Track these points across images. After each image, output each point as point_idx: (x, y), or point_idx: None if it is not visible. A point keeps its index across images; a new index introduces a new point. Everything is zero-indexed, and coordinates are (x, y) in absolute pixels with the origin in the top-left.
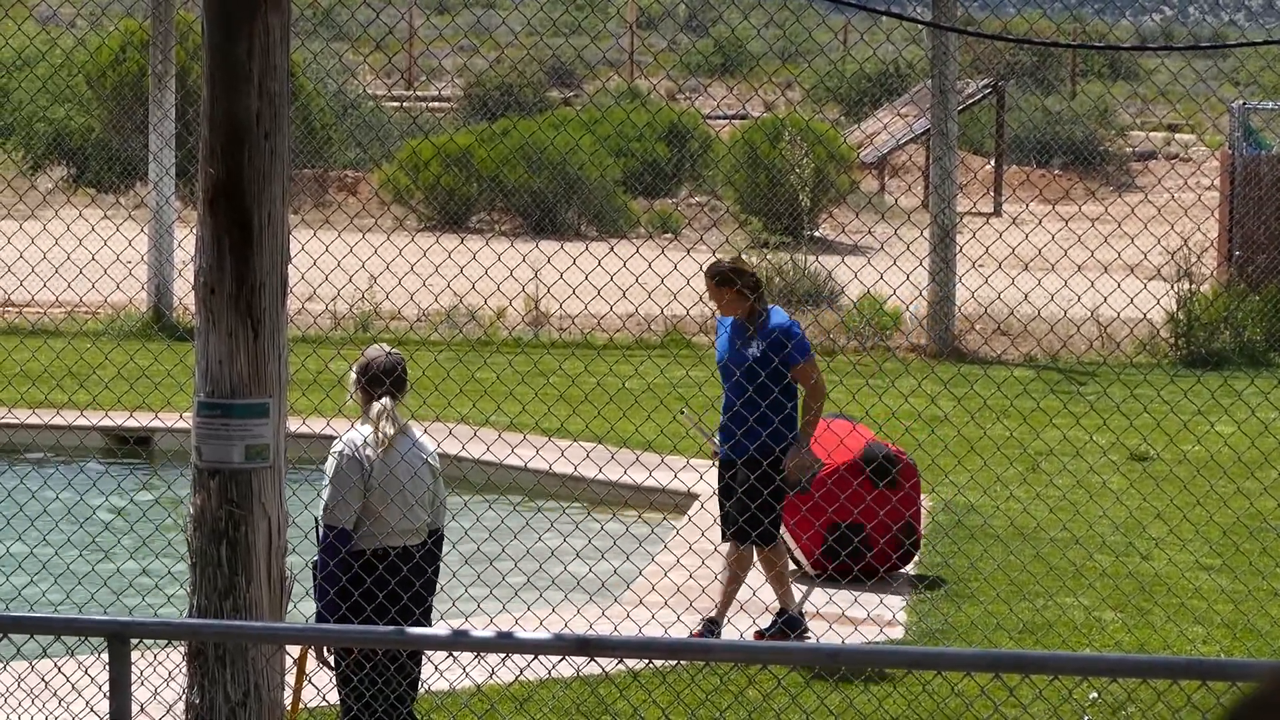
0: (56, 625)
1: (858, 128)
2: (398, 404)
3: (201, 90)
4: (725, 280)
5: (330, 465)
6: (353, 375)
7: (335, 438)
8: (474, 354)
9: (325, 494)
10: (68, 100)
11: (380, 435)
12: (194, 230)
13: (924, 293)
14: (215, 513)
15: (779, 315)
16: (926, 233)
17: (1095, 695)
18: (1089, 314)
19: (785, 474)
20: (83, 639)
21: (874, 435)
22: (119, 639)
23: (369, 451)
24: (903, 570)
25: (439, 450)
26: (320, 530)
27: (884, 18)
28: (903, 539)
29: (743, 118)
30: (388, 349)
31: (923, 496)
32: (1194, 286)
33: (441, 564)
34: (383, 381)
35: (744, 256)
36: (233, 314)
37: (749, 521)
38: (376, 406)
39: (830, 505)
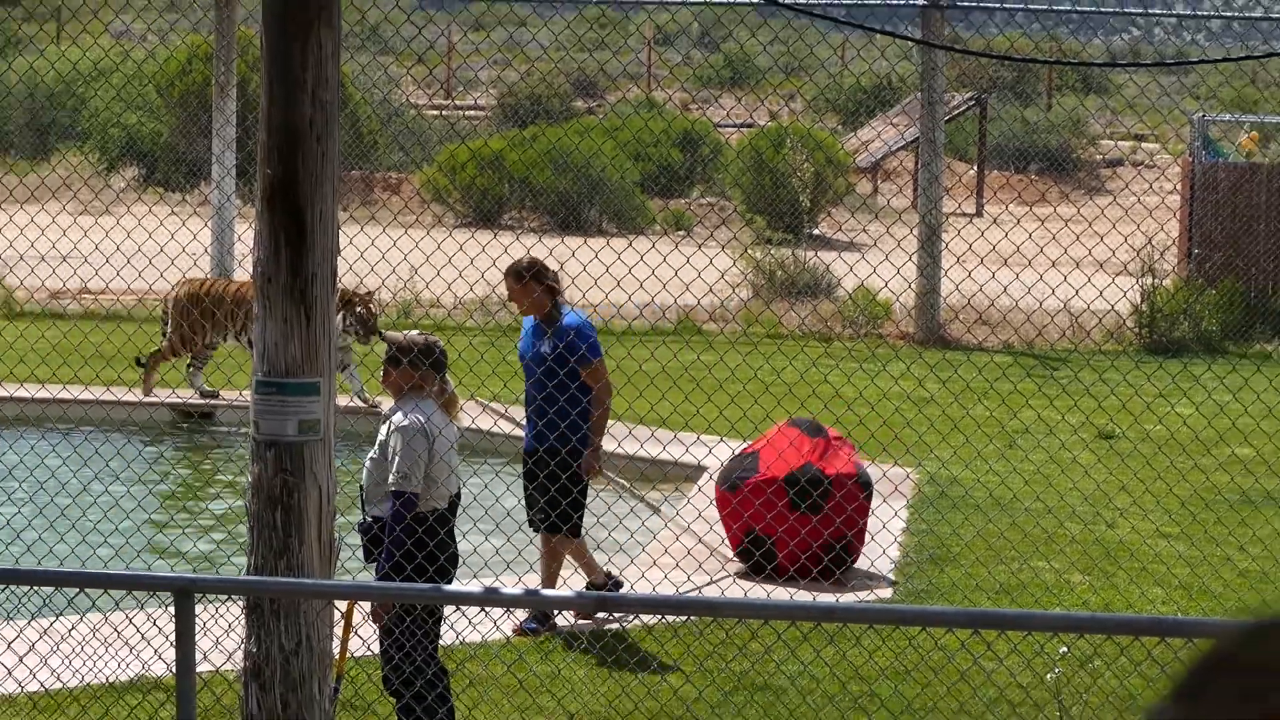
0: (128, 581)
1: (854, 135)
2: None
3: (260, 99)
4: (523, 280)
5: (395, 439)
6: (402, 358)
7: (383, 414)
8: (505, 338)
9: (396, 464)
10: (139, 107)
11: (450, 409)
12: (252, 225)
13: (912, 285)
14: (271, 481)
15: (573, 316)
16: (915, 231)
17: (1065, 649)
18: (1062, 305)
19: (584, 469)
20: (151, 593)
21: (853, 452)
22: (184, 594)
23: (433, 424)
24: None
25: (470, 424)
26: (388, 497)
27: (878, 35)
28: (822, 555)
29: (749, 126)
30: (425, 333)
31: (907, 469)
32: (1157, 281)
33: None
34: (443, 363)
35: (749, 250)
36: (287, 302)
37: (557, 515)
38: (452, 384)
39: (747, 511)
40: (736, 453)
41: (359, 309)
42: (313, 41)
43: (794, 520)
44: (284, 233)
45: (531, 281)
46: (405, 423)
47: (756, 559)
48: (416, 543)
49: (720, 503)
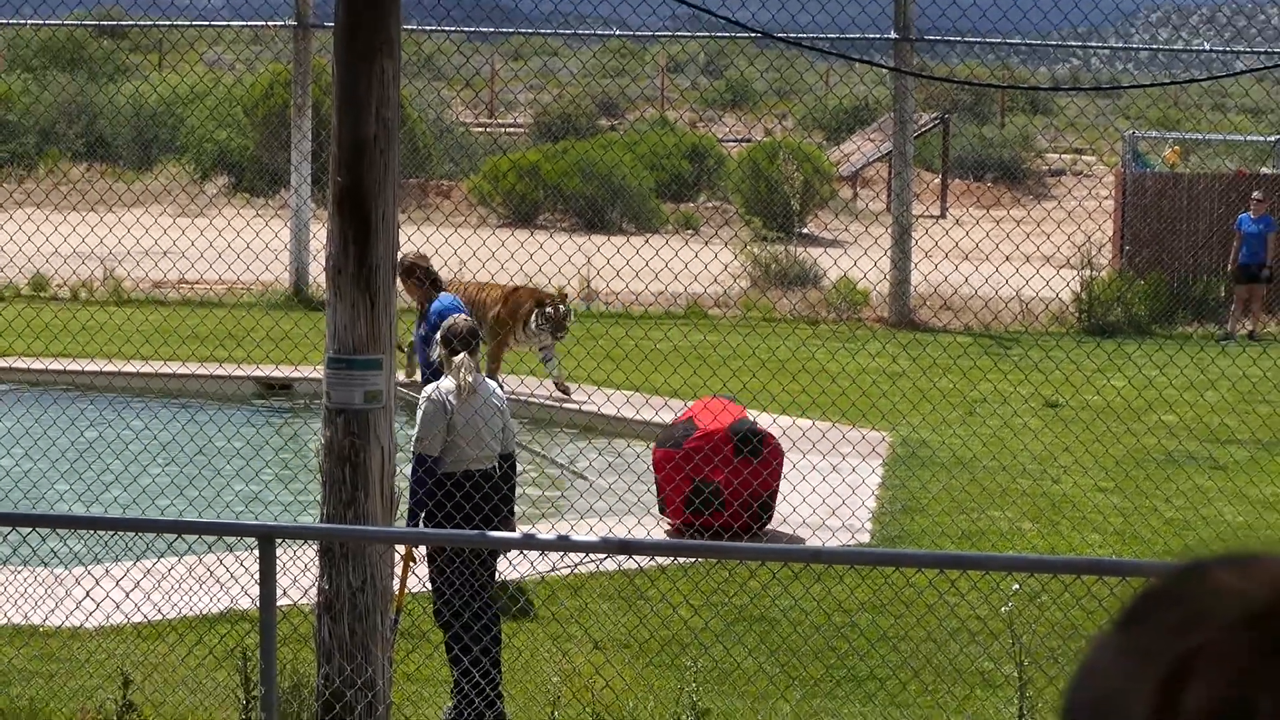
0: (220, 528)
1: (837, 149)
2: (477, 359)
3: (331, 118)
4: (404, 273)
5: (419, 408)
6: (438, 338)
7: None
8: None
9: (415, 430)
10: (228, 125)
11: (462, 381)
12: (325, 225)
13: (887, 276)
14: (341, 442)
15: (442, 302)
16: (889, 230)
17: (1017, 586)
18: (1014, 293)
19: None
20: (239, 539)
21: (743, 413)
22: (267, 539)
23: (451, 397)
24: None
25: (509, 395)
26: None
27: (857, 64)
28: (751, 503)
29: (748, 141)
30: (466, 317)
31: (883, 432)
32: (1094, 273)
33: (516, 481)
34: (458, 344)
35: (746, 246)
36: (355, 290)
37: None
38: (458, 359)
39: (689, 465)
40: (670, 422)
41: (549, 309)
42: (376, 69)
43: (738, 464)
44: (352, 231)
45: (403, 276)
46: (426, 393)
47: (701, 510)
48: (464, 496)
49: (661, 462)
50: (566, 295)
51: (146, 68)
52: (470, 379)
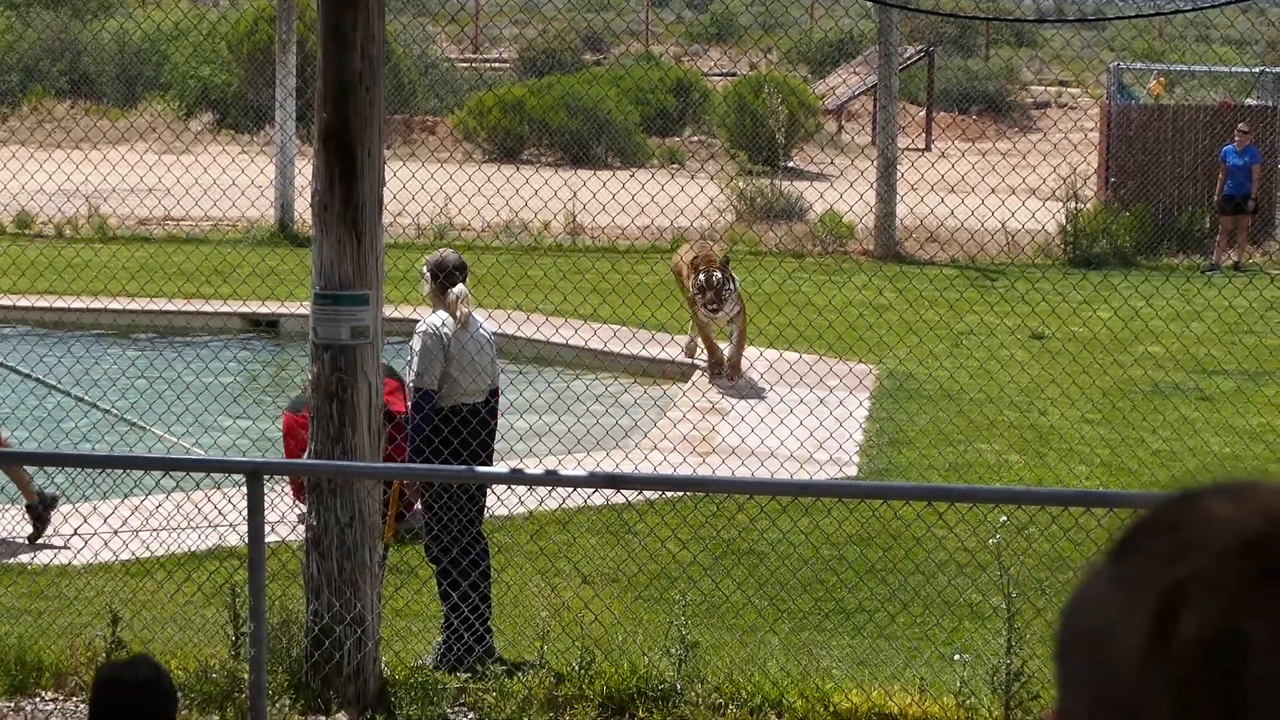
0: (207, 464)
1: (822, 82)
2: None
3: (316, 54)
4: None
5: (417, 342)
6: (426, 272)
7: (418, 320)
8: (525, 256)
9: (414, 364)
10: (212, 62)
11: (459, 312)
12: (310, 162)
13: (872, 209)
14: (328, 378)
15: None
16: (874, 163)
17: (1004, 519)
18: (1000, 226)
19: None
20: (227, 475)
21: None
22: (255, 475)
23: (447, 330)
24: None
25: (496, 329)
26: (409, 392)
27: None
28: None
29: (733, 75)
30: (450, 250)
31: (869, 365)
32: (1080, 205)
33: (500, 416)
34: (455, 275)
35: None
36: (341, 227)
37: None
38: (454, 291)
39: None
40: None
41: (701, 274)
42: (361, 5)
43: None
44: (338, 169)
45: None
46: (423, 328)
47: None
48: (452, 431)
49: (292, 428)
50: (714, 259)
51: (130, 3)
52: (466, 310)
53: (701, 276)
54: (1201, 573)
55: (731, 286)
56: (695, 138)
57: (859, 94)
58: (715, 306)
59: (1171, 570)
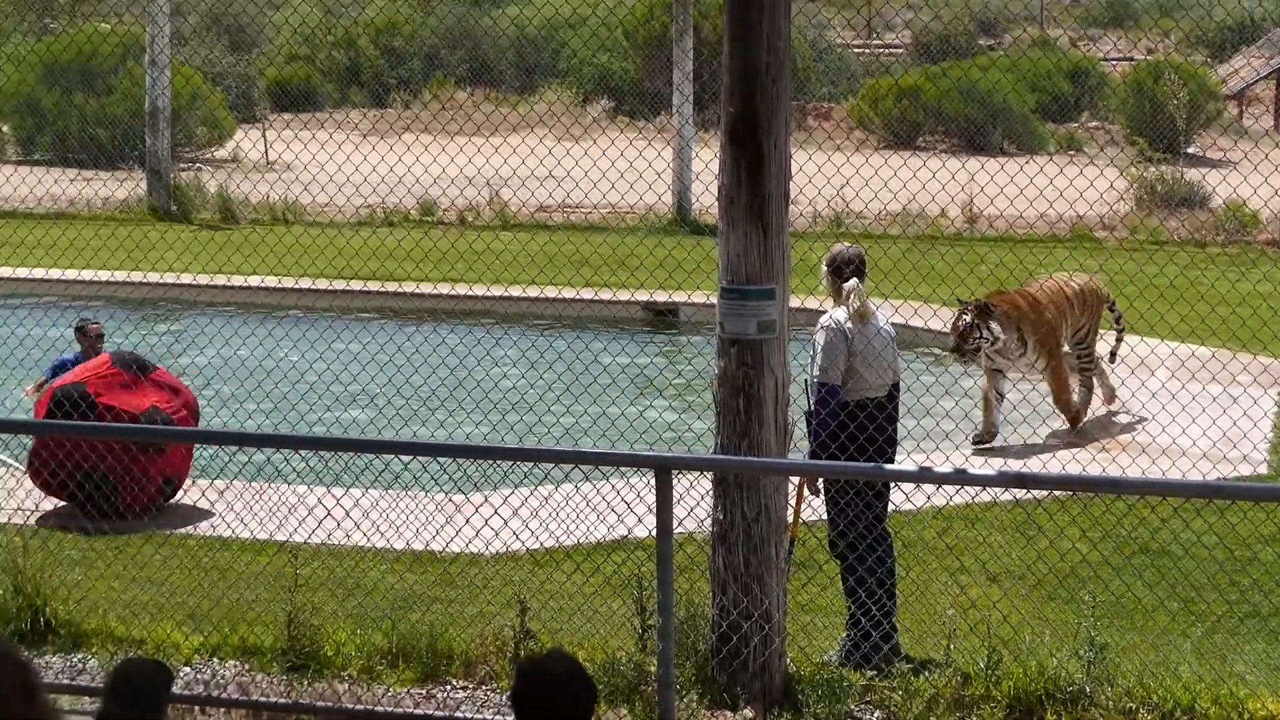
0: (617, 459)
1: (1223, 66)
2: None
3: (721, 47)
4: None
5: (820, 337)
6: (824, 267)
7: (821, 313)
8: (921, 244)
9: (818, 359)
10: (609, 49)
11: (856, 306)
12: (706, 149)
13: (1278, 195)
14: (735, 373)
15: None
16: (1279, 148)
17: None
18: None
19: None
20: (636, 469)
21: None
22: (663, 470)
23: (848, 324)
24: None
25: (899, 321)
26: (813, 388)
27: None
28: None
29: (1129, 59)
30: (849, 245)
31: None
32: None
33: (901, 408)
34: (845, 269)
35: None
36: (747, 220)
37: None
38: (846, 286)
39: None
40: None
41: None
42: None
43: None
44: (744, 161)
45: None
46: (825, 322)
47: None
48: (858, 426)
49: (39, 411)
50: (969, 304)
51: None
52: (857, 304)
53: (962, 320)
54: None
55: (987, 335)
56: (1093, 124)
57: (1263, 78)
58: (956, 350)
59: None
